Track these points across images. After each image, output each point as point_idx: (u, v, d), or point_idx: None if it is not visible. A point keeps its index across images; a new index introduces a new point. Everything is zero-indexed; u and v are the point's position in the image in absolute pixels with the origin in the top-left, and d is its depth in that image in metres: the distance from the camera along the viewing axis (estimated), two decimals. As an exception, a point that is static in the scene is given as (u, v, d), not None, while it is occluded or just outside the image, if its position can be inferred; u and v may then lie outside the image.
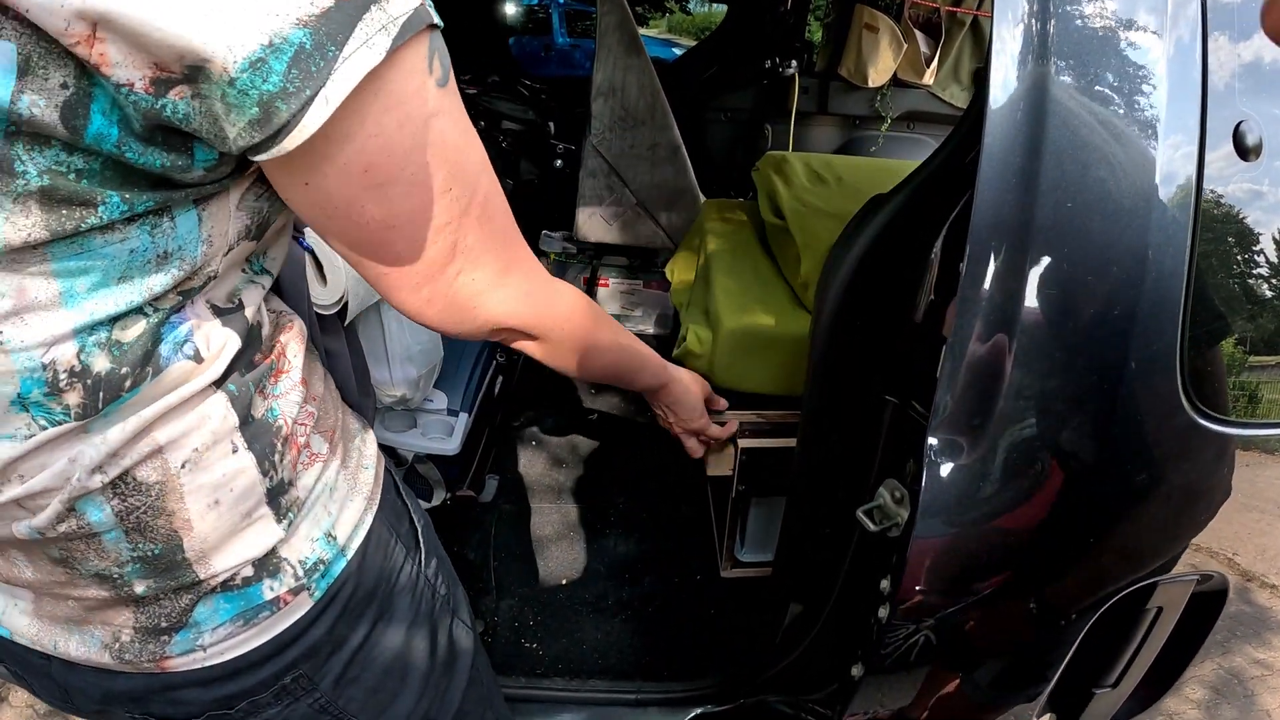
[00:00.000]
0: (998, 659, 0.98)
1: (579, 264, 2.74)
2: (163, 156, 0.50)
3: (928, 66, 3.25)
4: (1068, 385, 0.80)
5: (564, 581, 2.00)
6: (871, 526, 1.00)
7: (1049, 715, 1.10)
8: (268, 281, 0.70)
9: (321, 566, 0.73)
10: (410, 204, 0.60)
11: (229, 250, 0.61)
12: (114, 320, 0.55)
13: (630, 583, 2.00)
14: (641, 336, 2.72)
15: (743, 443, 1.43)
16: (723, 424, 1.36)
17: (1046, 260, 0.79)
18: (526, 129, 2.72)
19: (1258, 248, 0.88)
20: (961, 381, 0.80)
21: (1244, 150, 0.83)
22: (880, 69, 3.19)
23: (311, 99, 0.48)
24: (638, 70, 2.27)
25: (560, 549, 2.10)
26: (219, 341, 0.62)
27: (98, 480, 0.58)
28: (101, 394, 0.56)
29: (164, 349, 0.58)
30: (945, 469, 0.82)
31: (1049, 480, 0.83)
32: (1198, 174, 0.80)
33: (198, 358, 0.60)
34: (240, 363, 0.65)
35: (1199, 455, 0.88)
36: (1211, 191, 0.82)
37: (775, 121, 3.25)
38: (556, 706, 1.64)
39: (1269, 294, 0.91)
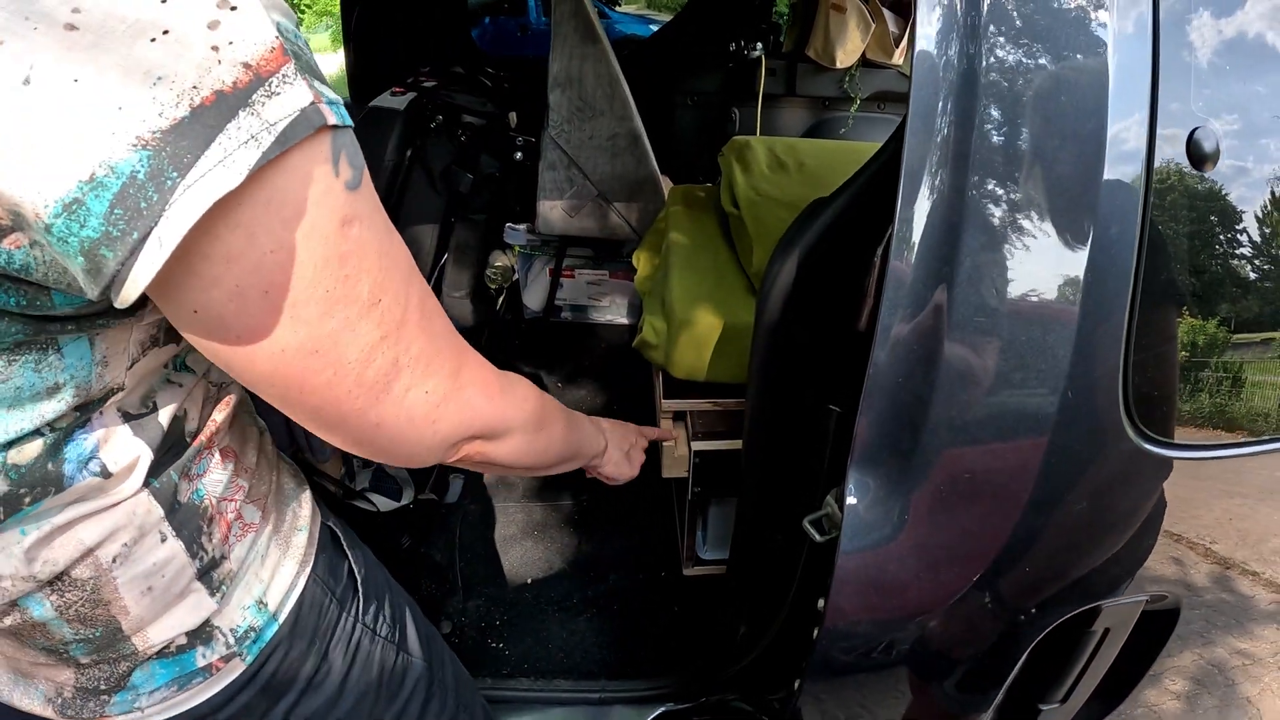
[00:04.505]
0: (937, 680, 0.98)
1: (543, 256, 2.70)
2: (15, 295, 0.46)
3: (897, 46, 3.21)
4: (1000, 410, 0.78)
5: (529, 581, 1.99)
6: (818, 537, 0.98)
7: (995, 730, 1.10)
8: (188, 379, 0.67)
9: (253, 633, 0.74)
10: (331, 324, 0.53)
11: (133, 364, 0.59)
12: (8, 445, 0.53)
13: (595, 581, 1.99)
14: (613, 327, 2.77)
15: (696, 445, 1.43)
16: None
17: (976, 273, 0.75)
18: (487, 122, 2.66)
19: (1212, 263, 0.84)
20: (882, 406, 0.79)
21: (1199, 159, 0.77)
22: (848, 50, 3.15)
23: (141, 243, 0.42)
24: (594, 59, 2.21)
25: (525, 548, 2.10)
26: (129, 455, 0.61)
27: (31, 583, 0.59)
28: (1, 510, 0.55)
29: (67, 468, 0.57)
30: (866, 498, 0.81)
31: (980, 510, 0.81)
32: (1145, 180, 0.75)
33: (105, 473, 0.59)
34: (160, 459, 0.64)
35: (1144, 481, 0.85)
36: (1161, 200, 0.77)
37: (742, 105, 3.21)
38: (523, 707, 1.64)
39: (1220, 313, 0.86)
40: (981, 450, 0.78)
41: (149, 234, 0.41)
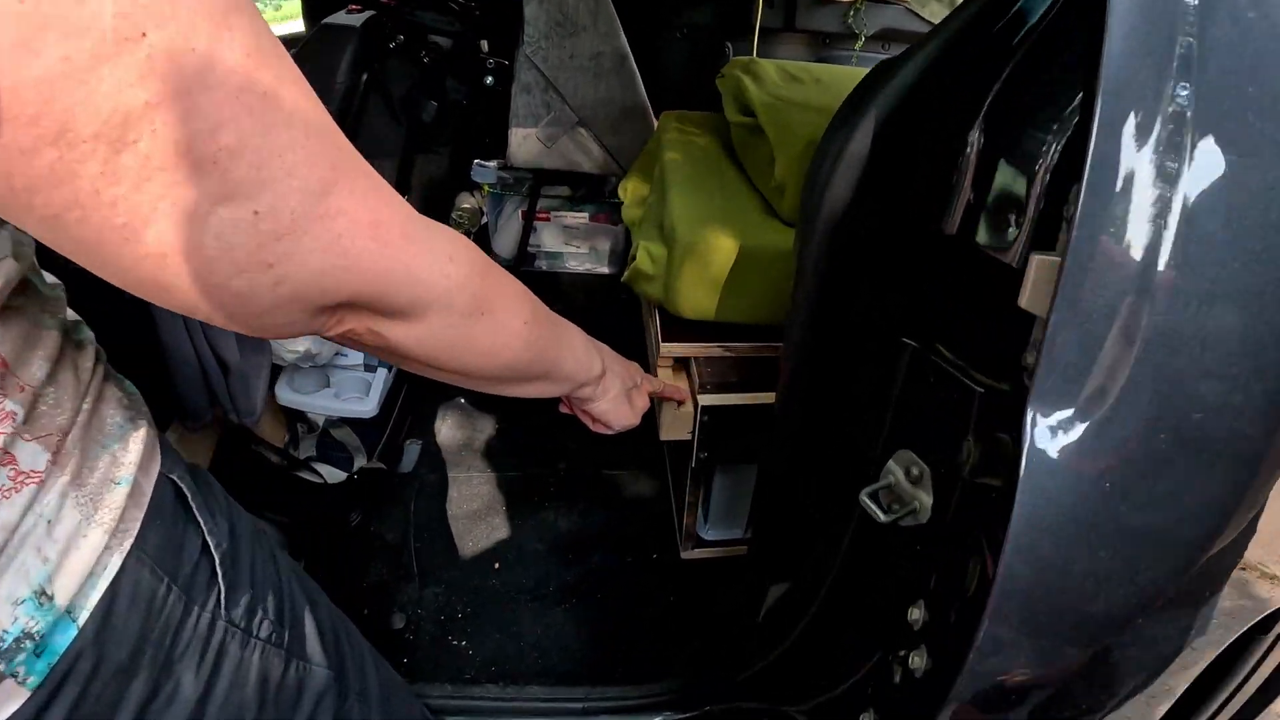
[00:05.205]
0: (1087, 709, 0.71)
1: (515, 197, 2.47)
2: None
3: (906, -22, 3.02)
4: (1242, 341, 0.50)
5: (496, 565, 1.77)
6: (881, 516, 0.76)
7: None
8: None
9: (30, 643, 0.51)
10: (37, 68, 0.34)
11: None
12: None
13: (574, 564, 1.78)
14: (594, 276, 2.53)
15: (703, 399, 1.18)
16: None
17: (1215, 158, 0.49)
18: (454, 43, 2.43)
19: None
20: (1081, 332, 0.50)
21: None
22: (853, -19, 2.95)
23: None
24: (577, -35, 2.02)
25: (492, 526, 1.87)
26: None
27: None
28: None
29: None
30: (1053, 458, 0.52)
31: (1205, 474, 0.53)
32: None
33: None
34: None
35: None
36: None
37: (737, 38, 2.99)
38: (489, 718, 1.42)
39: None
40: (1210, 387, 0.50)
41: None
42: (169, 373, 1.37)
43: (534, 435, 2.14)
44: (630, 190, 1.73)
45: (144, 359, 1.31)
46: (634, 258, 1.32)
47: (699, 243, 1.18)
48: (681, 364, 1.29)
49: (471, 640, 1.60)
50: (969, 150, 0.71)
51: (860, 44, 3.11)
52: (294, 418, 1.91)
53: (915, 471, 0.78)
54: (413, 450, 2.00)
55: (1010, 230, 0.65)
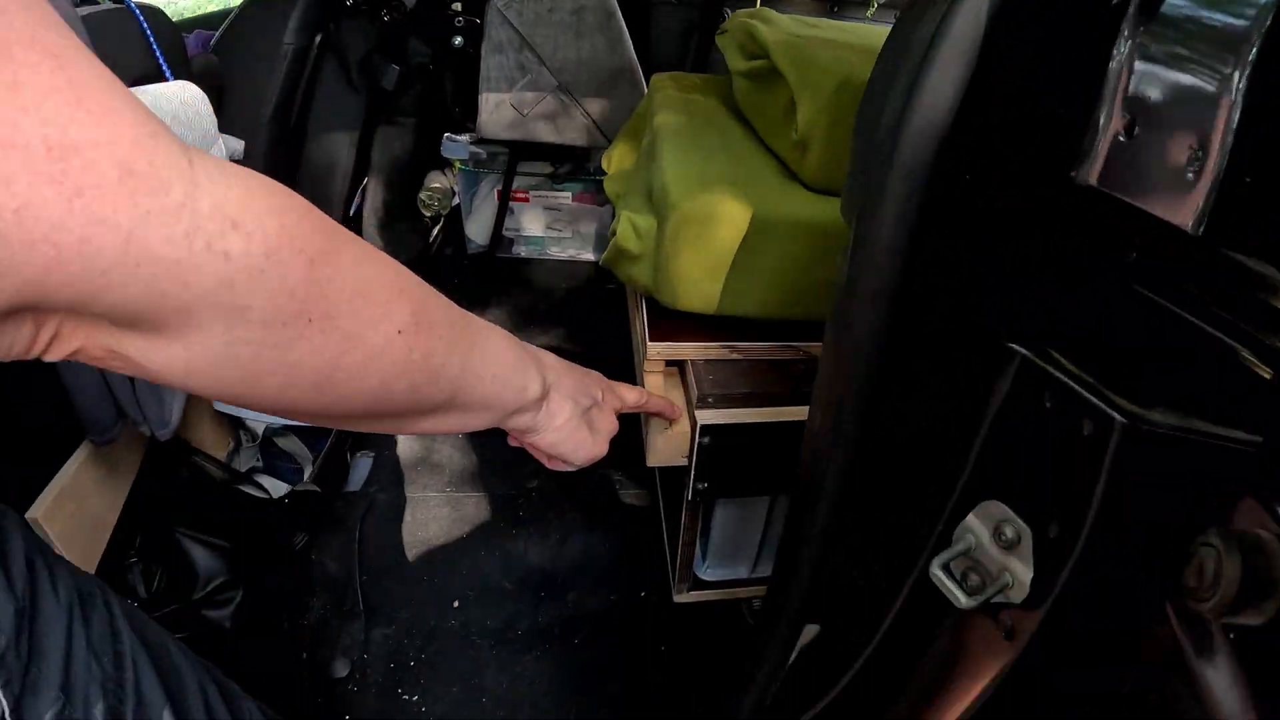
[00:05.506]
0: None
1: (491, 175, 2.26)
2: None
3: (922, -64, 2.80)
4: None
5: (456, 603, 1.54)
6: (962, 599, 0.54)
7: None
8: None
9: None
10: None
11: None
12: None
13: (549, 603, 1.55)
14: (578, 264, 2.30)
15: (703, 416, 0.95)
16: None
17: None
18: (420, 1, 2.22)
19: None
20: None
21: None
22: (865, -59, 2.80)
23: None
24: (555, -95, 1.82)
25: (451, 556, 1.65)
26: None
27: None
28: None
29: None
30: None
31: None
32: None
33: None
34: None
35: None
36: None
37: (736, 4, 2.75)
38: (442, 792, 1.20)
39: None
40: None
41: None
42: (63, 380, 1.15)
43: (502, 449, 1.89)
44: (615, 159, 1.51)
45: (34, 362, 1.08)
46: (614, 232, 1.09)
47: (697, 212, 0.94)
48: (675, 369, 1.06)
49: (425, 694, 1.39)
50: (1113, 74, 0.47)
51: (872, 10, 2.91)
52: (236, 425, 1.71)
53: (1009, 534, 0.55)
54: (362, 465, 1.77)
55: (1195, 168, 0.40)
